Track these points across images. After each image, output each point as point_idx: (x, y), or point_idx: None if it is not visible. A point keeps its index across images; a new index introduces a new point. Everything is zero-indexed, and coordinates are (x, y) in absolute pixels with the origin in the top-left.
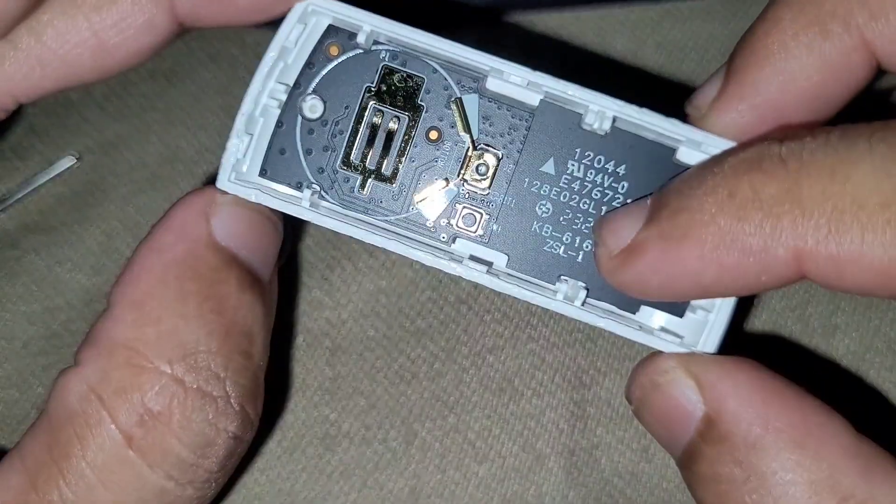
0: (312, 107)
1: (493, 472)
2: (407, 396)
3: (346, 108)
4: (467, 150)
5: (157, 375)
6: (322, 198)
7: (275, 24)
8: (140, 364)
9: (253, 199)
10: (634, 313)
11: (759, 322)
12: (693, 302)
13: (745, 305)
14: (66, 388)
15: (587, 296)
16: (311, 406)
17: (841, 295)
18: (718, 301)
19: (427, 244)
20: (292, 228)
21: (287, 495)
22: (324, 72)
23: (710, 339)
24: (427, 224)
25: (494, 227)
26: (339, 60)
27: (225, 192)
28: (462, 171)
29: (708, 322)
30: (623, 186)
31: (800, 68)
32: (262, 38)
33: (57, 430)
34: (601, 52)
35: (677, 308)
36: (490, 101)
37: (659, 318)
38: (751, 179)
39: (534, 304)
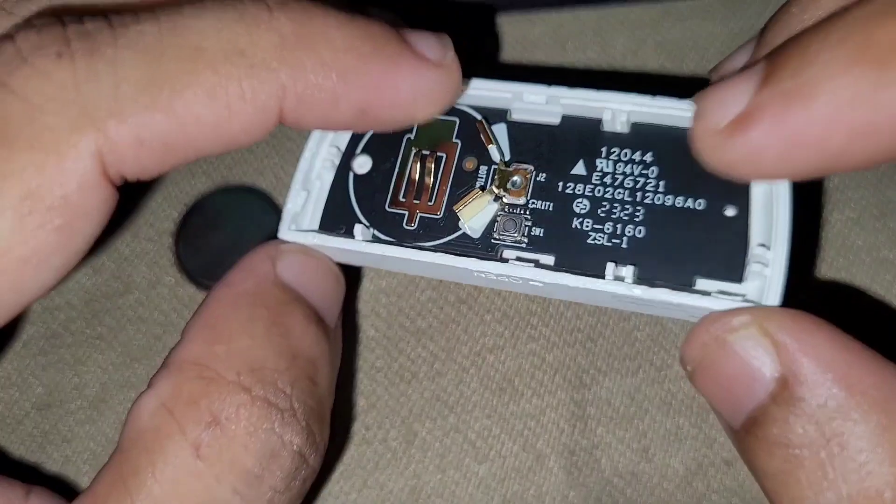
0: (362, 164)
1: (493, 472)
2: (407, 396)
3: (392, 159)
4: (500, 168)
5: (225, 385)
6: (375, 237)
7: None
8: (209, 376)
9: (311, 242)
10: (690, 287)
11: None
12: (750, 262)
13: (803, 259)
14: (139, 409)
15: (637, 275)
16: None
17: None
18: (771, 254)
19: (474, 255)
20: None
21: None
22: (369, 133)
23: (772, 292)
24: (474, 240)
25: (537, 232)
26: None
27: (287, 242)
28: (498, 189)
29: (766, 276)
30: (653, 171)
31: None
32: None
33: (127, 451)
34: (601, 51)
35: (735, 273)
36: (517, 128)
37: (716, 286)
38: (887, 25)
39: (557, 299)
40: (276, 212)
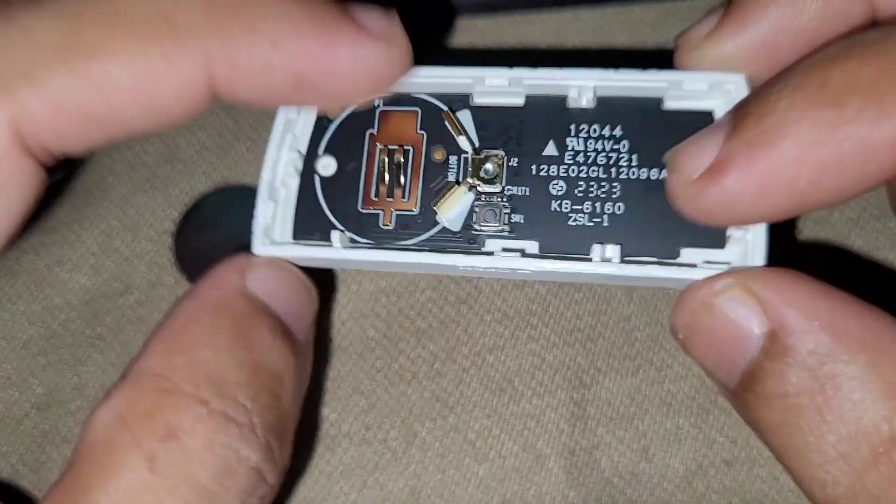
0: (326, 165)
1: (493, 472)
2: (407, 396)
3: (357, 157)
4: (471, 157)
5: (183, 397)
6: (353, 241)
7: None
8: (167, 388)
9: (288, 254)
10: (675, 259)
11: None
12: (730, 230)
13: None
14: (94, 421)
15: (623, 253)
16: (311, 406)
17: None
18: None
19: (457, 250)
20: None
21: (287, 495)
22: (329, 132)
23: (756, 254)
24: (455, 233)
25: (517, 219)
26: (341, 118)
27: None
28: (472, 179)
29: (748, 241)
30: (624, 145)
31: (801, 11)
32: None
33: (78, 465)
34: (601, 51)
35: (717, 240)
36: (481, 112)
37: (701, 255)
38: (842, 67)
39: (556, 285)
40: None
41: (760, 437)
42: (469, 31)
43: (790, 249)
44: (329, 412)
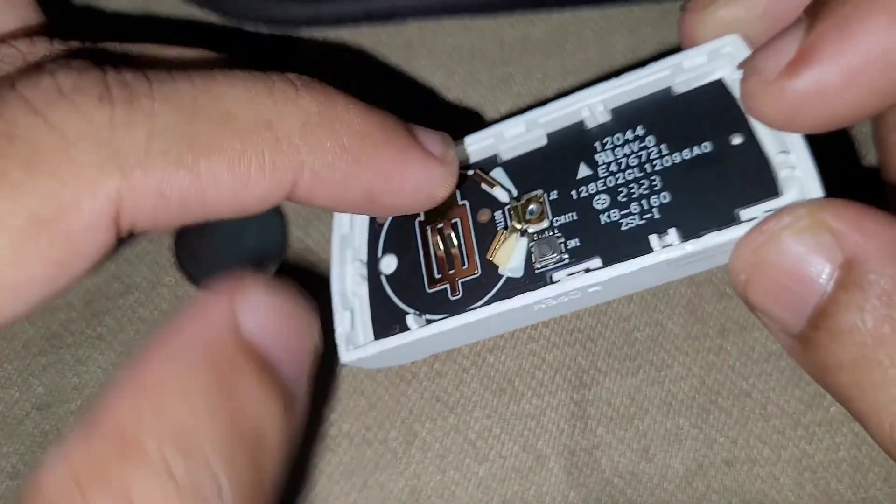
0: (388, 264)
1: (493, 472)
2: (407, 396)
3: (413, 246)
4: (512, 205)
5: (145, 460)
6: (428, 320)
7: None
8: (127, 443)
9: (372, 351)
10: (736, 221)
11: (757, 322)
12: (779, 171)
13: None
14: (45, 475)
15: (682, 235)
16: (312, 406)
17: None
18: (794, 155)
19: (527, 292)
20: (282, 231)
21: (287, 495)
22: (383, 234)
23: (811, 186)
24: (519, 280)
25: (573, 244)
26: (389, 220)
27: (257, 288)
28: (520, 224)
29: (799, 178)
30: (650, 140)
31: None
32: (261, 37)
33: None
34: (601, 51)
35: (771, 189)
36: (512, 165)
37: (759, 209)
38: None
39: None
40: (276, 211)
41: (825, 382)
42: (469, 30)
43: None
44: (329, 412)
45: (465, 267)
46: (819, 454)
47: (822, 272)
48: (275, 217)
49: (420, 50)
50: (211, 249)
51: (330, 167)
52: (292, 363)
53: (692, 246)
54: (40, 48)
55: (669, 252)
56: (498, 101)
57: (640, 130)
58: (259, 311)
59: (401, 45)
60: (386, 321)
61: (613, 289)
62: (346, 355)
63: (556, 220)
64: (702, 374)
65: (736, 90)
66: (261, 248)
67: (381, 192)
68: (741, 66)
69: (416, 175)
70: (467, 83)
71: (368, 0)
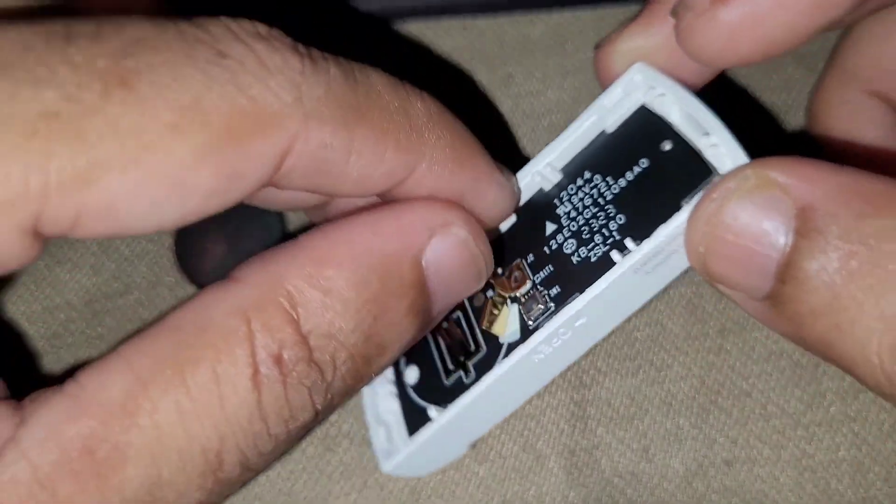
0: (411, 374)
1: (493, 472)
2: None
3: (425, 348)
4: (499, 280)
5: (298, 334)
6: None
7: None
8: (291, 316)
9: (410, 449)
10: (680, 209)
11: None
12: (706, 152)
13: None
14: (216, 300)
15: (635, 238)
16: None
17: None
18: (713, 133)
19: (527, 349)
20: (281, 231)
21: (287, 495)
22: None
23: (736, 153)
24: (519, 340)
25: (554, 292)
26: None
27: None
28: (507, 293)
29: (722, 150)
30: (597, 178)
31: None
32: None
33: (188, 334)
34: None
35: (705, 170)
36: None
37: (701, 194)
38: None
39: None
40: (276, 211)
41: (804, 337)
42: (469, 31)
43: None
44: None
45: (472, 348)
46: (819, 454)
47: (779, 227)
48: (274, 218)
49: (420, 50)
50: (211, 249)
51: (441, 162)
52: (448, 299)
53: (647, 245)
54: None
55: (630, 258)
56: (498, 101)
57: (587, 175)
58: (446, 247)
59: (401, 44)
60: (417, 421)
61: (599, 319)
62: (386, 465)
63: (537, 277)
64: (702, 374)
65: (660, 109)
66: (260, 248)
67: (471, 196)
68: (672, 13)
69: (496, 189)
70: (467, 83)
71: (368, 0)
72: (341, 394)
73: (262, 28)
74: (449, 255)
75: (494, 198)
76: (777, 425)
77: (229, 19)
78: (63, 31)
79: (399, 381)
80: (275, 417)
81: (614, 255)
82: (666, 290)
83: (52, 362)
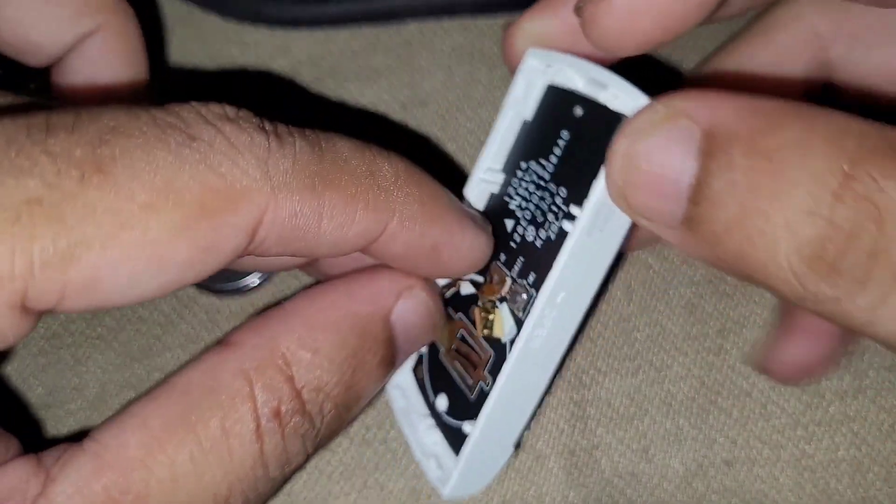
0: (441, 403)
1: None
2: None
3: (445, 374)
4: (484, 287)
5: (293, 390)
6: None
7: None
8: (288, 375)
9: (462, 467)
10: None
11: (756, 323)
12: (612, 106)
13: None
14: (221, 363)
15: (578, 203)
16: None
17: None
18: (611, 87)
19: (524, 339)
20: None
21: (287, 495)
22: (427, 381)
23: (635, 95)
24: (516, 335)
25: (531, 279)
26: (427, 364)
27: (418, 294)
28: (494, 296)
29: (620, 97)
30: (533, 164)
31: None
32: (261, 37)
33: (197, 397)
34: None
35: (619, 121)
36: None
37: None
38: None
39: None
40: None
41: (720, 256)
42: (469, 31)
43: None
44: None
45: (482, 358)
46: (819, 454)
47: (688, 151)
48: None
49: (420, 50)
50: None
51: (412, 218)
52: (410, 349)
53: (588, 205)
54: None
55: (579, 223)
56: (498, 101)
57: (523, 165)
58: (410, 307)
59: (401, 45)
60: (459, 444)
61: (577, 289)
62: (445, 491)
63: (513, 272)
64: (701, 375)
65: (563, 82)
66: None
67: (445, 247)
68: (575, 10)
69: (470, 237)
70: (467, 83)
71: (368, 0)
72: (326, 438)
73: (229, 110)
74: (412, 313)
75: (469, 246)
76: (777, 425)
77: (199, 103)
78: (43, 124)
79: (434, 412)
80: (274, 463)
81: (566, 225)
82: (666, 290)
83: (52, 362)
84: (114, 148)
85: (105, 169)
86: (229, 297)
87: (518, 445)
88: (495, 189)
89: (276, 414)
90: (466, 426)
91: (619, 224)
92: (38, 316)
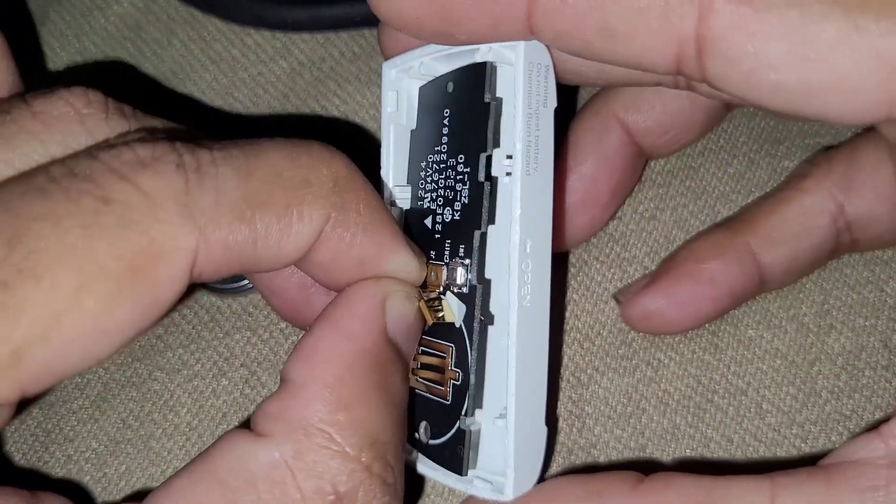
0: (424, 432)
1: None
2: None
3: (413, 405)
4: (424, 289)
5: (348, 460)
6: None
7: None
8: (332, 448)
9: (508, 481)
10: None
11: (752, 321)
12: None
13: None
14: (254, 454)
15: (473, 154)
16: None
17: (835, 294)
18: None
19: (514, 303)
20: None
21: None
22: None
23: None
24: (466, 312)
25: (461, 252)
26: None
27: (400, 289)
28: (436, 289)
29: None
30: (430, 160)
31: None
32: (262, 39)
33: (236, 491)
34: None
35: (482, 69)
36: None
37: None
38: None
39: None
40: None
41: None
42: None
43: None
44: None
45: (445, 359)
46: (814, 452)
47: None
48: None
49: None
50: None
51: (344, 224)
52: (411, 347)
53: (520, 140)
54: (95, 122)
55: (517, 164)
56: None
57: (423, 165)
58: (400, 313)
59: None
60: (487, 454)
61: (539, 232)
62: (508, 495)
63: (445, 259)
64: (697, 373)
65: (428, 73)
66: None
67: (372, 264)
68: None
69: (401, 258)
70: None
71: (368, 3)
72: (403, 480)
73: (144, 153)
74: (401, 313)
75: (394, 270)
76: (772, 423)
77: (112, 151)
78: None
79: (438, 448)
80: None
81: (480, 176)
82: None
83: None
84: (30, 245)
85: (26, 269)
86: (230, 297)
87: (549, 423)
88: (408, 203)
89: (338, 498)
90: (464, 423)
91: (546, 160)
92: (10, 407)
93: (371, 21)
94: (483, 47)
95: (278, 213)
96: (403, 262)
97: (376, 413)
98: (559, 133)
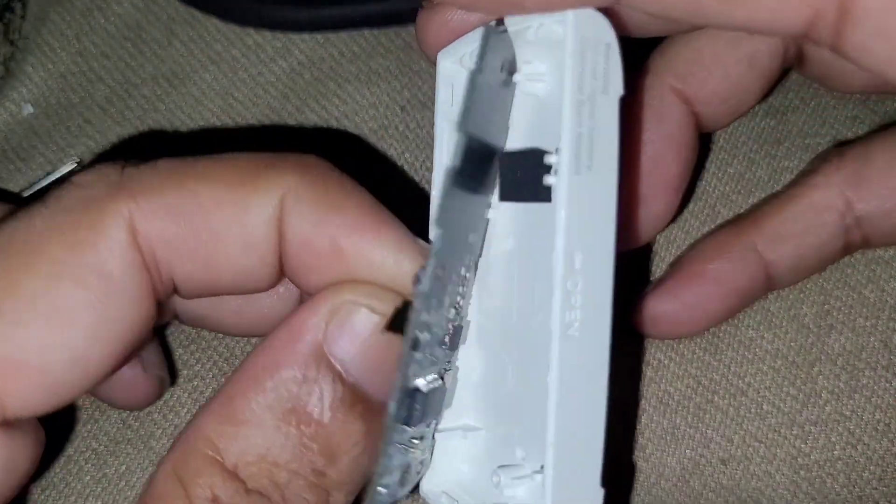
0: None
1: None
2: None
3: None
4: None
5: (224, 471)
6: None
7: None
8: (214, 457)
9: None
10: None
11: (752, 322)
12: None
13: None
14: (158, 470)
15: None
16: None
17: (835, 294)
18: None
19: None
20: None
21: None
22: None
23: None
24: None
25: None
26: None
27: (356, 301)
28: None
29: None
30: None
31: None
32: (262, 39)
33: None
34: None
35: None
36: None
37: None
38: None
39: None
40: None
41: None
42: None
43: None
44: None
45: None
46: (814, 453)
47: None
48: None
49: (420, 53)
50: None
51: (310, 200)
52: (378, 380)
53: (567, 133)
54: None
55: (563, 162)
56: None
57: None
58: (348, 324)
59: (401, 47)
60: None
61: (591, 243)
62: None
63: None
64: (697, 374)
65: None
66: None
67: (351, 250)
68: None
69: (388, 243)
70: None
71: (368, 3)
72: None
73: (87, 171)
74: (355, 332)
75: (382, 255)
76: (772, 424)
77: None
78: None
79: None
80: None
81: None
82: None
83: None
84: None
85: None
86: None
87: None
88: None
89: (216, 500)
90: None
91: (608, 158)
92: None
93: (371, 21)
94: (534, 24)
95: (229, 184)
96: (392, 243)
97: (271, 432)
98: (628, 126)
